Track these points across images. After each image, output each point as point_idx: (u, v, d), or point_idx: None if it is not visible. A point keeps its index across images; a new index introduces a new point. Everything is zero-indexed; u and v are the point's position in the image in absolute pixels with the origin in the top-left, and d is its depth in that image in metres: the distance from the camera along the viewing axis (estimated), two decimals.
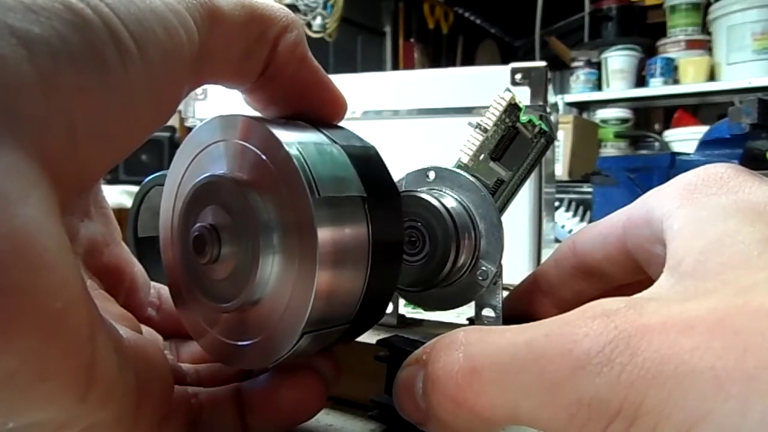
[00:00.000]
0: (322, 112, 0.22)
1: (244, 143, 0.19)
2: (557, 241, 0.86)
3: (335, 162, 0.19)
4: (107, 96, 0.14)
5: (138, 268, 0.24)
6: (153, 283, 0.25)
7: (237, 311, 0.19)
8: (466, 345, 0.17)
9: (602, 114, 2.20)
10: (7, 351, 0.12)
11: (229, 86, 0.21)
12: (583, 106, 2.26)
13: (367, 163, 0.20)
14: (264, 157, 0.18)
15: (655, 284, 0.17)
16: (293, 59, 0.20)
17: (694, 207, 0.18)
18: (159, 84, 0.16)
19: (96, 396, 0.14)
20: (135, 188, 0.37)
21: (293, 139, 0.19)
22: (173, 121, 1.04)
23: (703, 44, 2.02)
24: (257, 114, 0.22)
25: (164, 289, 0.25)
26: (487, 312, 0.26)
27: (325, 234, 0.17)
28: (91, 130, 0.14)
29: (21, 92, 0.12)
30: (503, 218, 0.26)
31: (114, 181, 1.02)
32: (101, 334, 0.14)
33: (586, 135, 1.64)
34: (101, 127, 0.14)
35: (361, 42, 2.18)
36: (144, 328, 0.23)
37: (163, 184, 0.33)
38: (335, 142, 0.20)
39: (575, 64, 2.25)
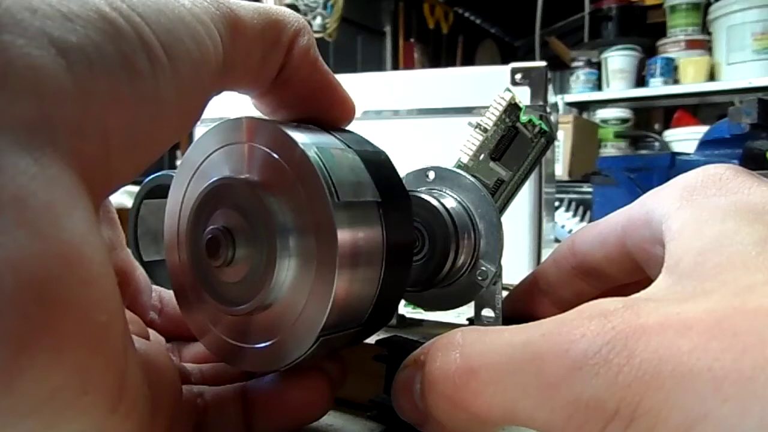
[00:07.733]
0: (332, 116, 0.22)
1: (254, 145, 0.19)
2: (557, 241, 0.86)
3: (351, 166, 0.19)
4: (138, 105, 0.14)
5: (140, 272, 0.24)
6: (153, 286, 0.25)
7: (247, 314, 0.19)
8: (463, 345, 0.17)
9: (602, 114, 2.19)
10: (56, 366, 0.12)
11: (244, 92, 0.21)
12: (583, 106, 2.26)
13: (380, 168, 0.20)
14: (278, 158, 0.18)
15: (653, 284, 0.17)
16: (306, 63, 0.21)
17: (693, 208, 0.18)
18: (187, 93, 0.16)
19: (125, 407, 0.14)
20: (135, 188, 0.37)
21: (309, 141, 0.18)
22: None
23: (703, 44, 2.02)
24: (261, 116, 0.22)
25: (165, 292, 0.25)
26: (487, 312, 0.26)
27: (344, 238, 0.17)
28: (122, 139, 0.14)
29: (60, 102, 0.13)
30: (503, 218, 0.26)
31: None
32: (130, 345, 0.14)
33: (586, 135, 1.63)
34: (132, 135, 0.14)
35: (361, 42, 2.18)
36: (150, 332, 0.23)
37: (158, 194, 0.32)
38: (349, 147, 0.20)
39: (575, 64, 2.24)
